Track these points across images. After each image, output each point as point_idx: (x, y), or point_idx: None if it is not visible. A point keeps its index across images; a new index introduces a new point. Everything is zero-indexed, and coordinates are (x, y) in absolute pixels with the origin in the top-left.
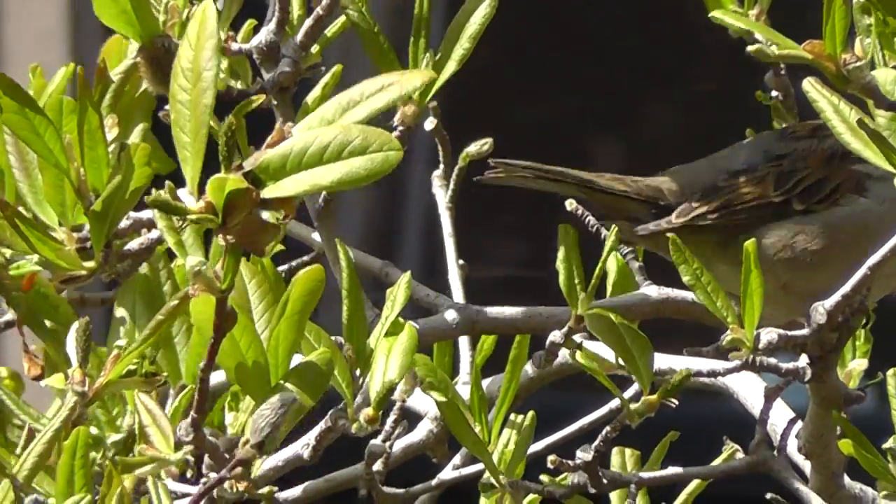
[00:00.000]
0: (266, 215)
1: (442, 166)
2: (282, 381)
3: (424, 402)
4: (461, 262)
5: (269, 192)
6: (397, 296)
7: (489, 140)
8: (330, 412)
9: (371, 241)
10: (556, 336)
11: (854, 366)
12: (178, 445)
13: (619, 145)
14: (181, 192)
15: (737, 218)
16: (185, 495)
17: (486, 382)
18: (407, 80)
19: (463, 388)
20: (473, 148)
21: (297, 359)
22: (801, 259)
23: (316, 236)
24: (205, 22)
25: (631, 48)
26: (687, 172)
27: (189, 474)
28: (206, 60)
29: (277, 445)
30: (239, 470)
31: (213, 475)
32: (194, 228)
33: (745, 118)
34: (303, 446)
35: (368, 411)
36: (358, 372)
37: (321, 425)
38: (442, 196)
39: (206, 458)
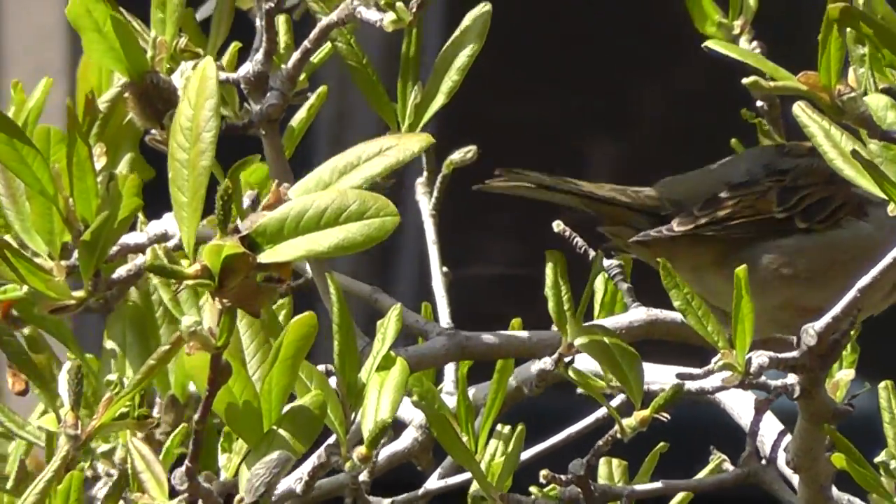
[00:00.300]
0: (262, 279)
1: (425, 173)
2: (275, 427)
3: (409, 411)
4: (445, 269)
5: (266, 256)
6: (388, 329)
7: (473, 147)
8: (323, 446)
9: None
10: (546, 363)
11: (841, 376)
12: (173, 491)
13: (607, 146)
14: None
15: (737, 231)
16: None
17: (471, 391)
18: (405, 144)
19: (448, 397)
20: (457, 155)
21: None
22: (801, 277)
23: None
24: (205, 81)
25: (618, 47)
26: (686, 183)
27: None
28: (206, 121)
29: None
30: None
31: None
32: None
33: (733, 119)
34: (295, 481)
35: (362, 450)
36: (349, 406)
37: (313, 460)
38: (426, 203)
39: (201, 502)
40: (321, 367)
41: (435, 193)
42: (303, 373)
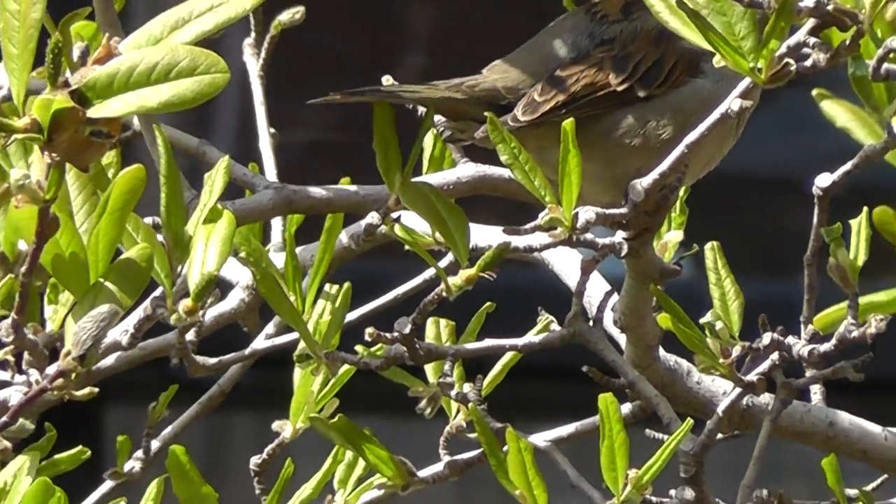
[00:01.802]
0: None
1: (253, 34)
2: (101, 279)
3: (236, 272)
4: (272, 130)
5: (96, 111)
6: (215, 181)
7: (301, 8)
8: (149, 299)
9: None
10: (374, 217)
11: (670, 237)
12: None
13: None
14: None
15: (582, 111)
16: (3, 383)
17: (298, 250)
18: (236, 0)
19: (275, 256)
20: (285, 16)
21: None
22: (653, 145)
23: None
24: None
25: None
26: (516, 65)
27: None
28: None
29: (98, 357)
30: (60, 381)
31: (32, 371)
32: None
33: None
34: (121, 333)
35: (188, 302)
36: (176, 259)
37: (139, 313)
38: (253, 64)
39: (26, 354)
40: (148, 220)
41: (262, 55)
42: (130, 226)
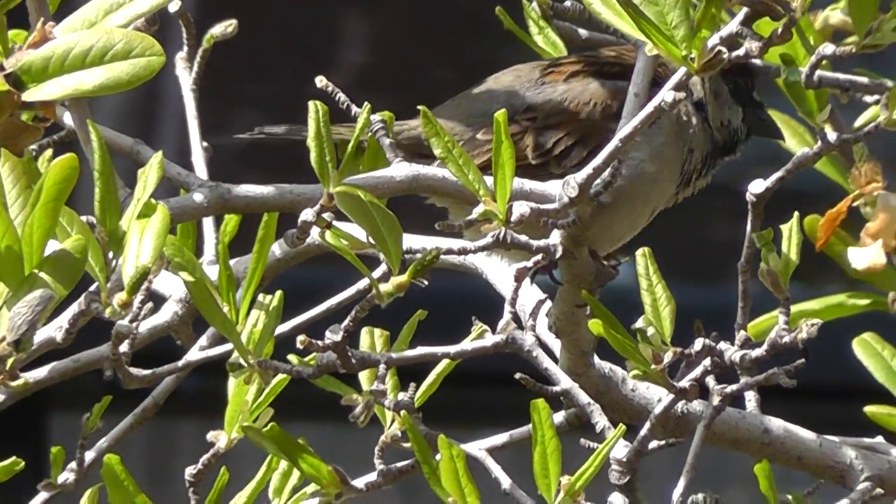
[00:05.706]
0: (26, 117)
1: (186, 48)
2: (36, 270)
3: (170, 285)
4: (205, 144)
5: (31, 94)
6: (149, 176)
7: (234, 21)
8: (83, 295)
9: (123, 120)
10: (307, 214)
11: None
12: None
13: (360, 22)
14: None
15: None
16: None
17: (232, 262)
18: None
19: (209, 269)
20: (218, 29)
21: (52, 244)
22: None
23: (67, 117)
24: None
25: None
26: (442, 117)
27: None
28: None
29: (33, 343)
30: None
31: None
32: None
33: None
34: (56, 329)
35: (122, 296)
36: (111, 254)
37: (74, 308)
38: (186, 78)
39: None
40: (83, 219)
41: (195, 68)
42: (64, 220)
